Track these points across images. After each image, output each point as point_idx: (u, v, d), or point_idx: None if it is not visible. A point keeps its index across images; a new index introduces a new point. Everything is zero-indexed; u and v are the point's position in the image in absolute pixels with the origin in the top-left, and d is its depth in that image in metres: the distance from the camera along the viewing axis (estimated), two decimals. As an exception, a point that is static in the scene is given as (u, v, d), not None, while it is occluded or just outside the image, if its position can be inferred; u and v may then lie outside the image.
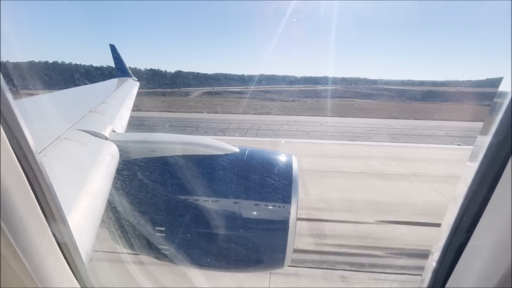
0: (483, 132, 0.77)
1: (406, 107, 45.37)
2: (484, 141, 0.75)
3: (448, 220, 0.88)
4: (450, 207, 0.88)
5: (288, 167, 2.20)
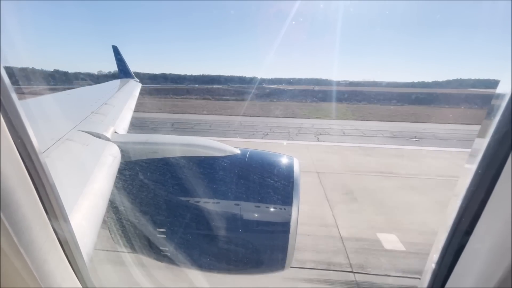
0: (481, 134, 0.78)
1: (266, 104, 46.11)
2: (482, 143, 0.76)
3: (447, 221, 0.88)
4: (449, 208, 0.89)
5: (289, 169, 2.20)
